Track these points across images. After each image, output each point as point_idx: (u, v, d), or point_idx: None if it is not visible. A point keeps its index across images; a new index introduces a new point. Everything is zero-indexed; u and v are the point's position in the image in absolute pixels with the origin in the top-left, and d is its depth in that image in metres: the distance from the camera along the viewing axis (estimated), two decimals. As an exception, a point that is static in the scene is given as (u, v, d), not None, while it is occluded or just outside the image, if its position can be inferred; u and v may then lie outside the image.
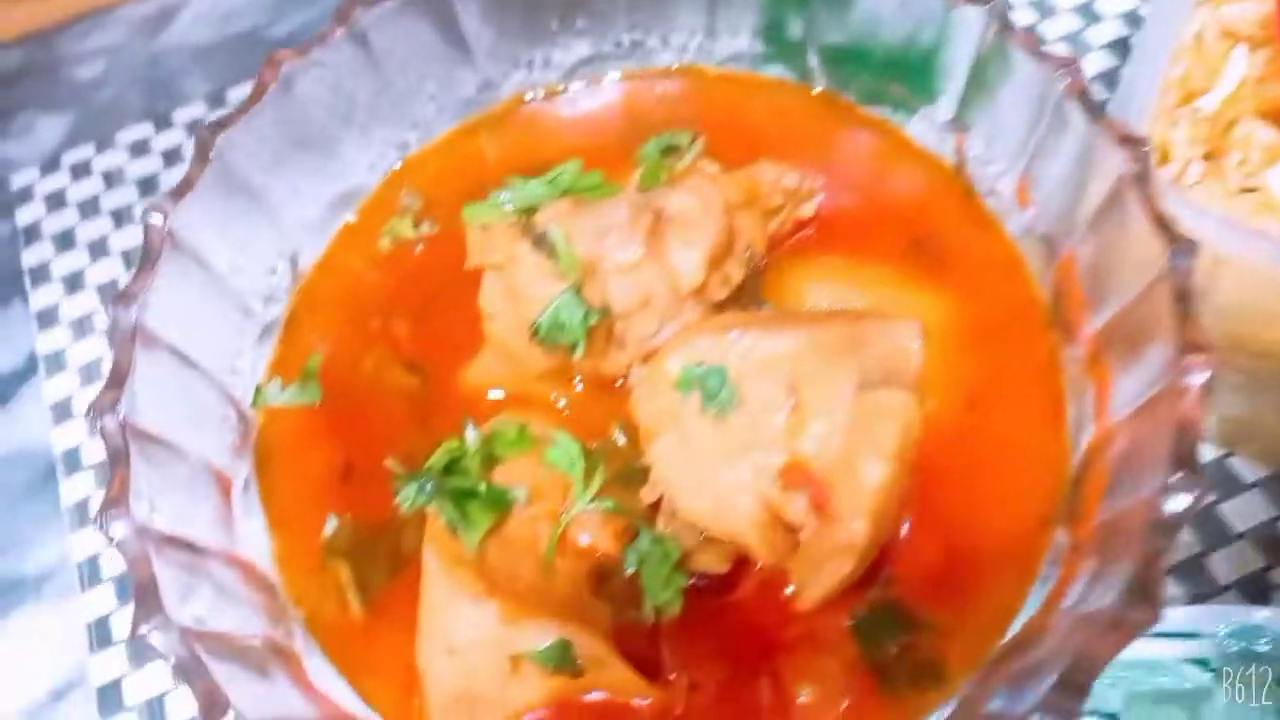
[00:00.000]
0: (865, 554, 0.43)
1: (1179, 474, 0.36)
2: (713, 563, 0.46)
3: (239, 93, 0.95)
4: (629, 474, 0.49)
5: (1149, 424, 0.40)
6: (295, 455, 0.54)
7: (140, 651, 0.69)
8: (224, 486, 0.51)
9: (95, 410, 0.44)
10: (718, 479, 0.45)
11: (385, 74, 0.58)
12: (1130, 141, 0.44)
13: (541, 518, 0.47)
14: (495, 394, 0.53)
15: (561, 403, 0.52)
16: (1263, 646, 0.58)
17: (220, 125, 0.53)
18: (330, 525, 0.52)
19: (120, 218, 0.90)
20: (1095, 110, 0.45)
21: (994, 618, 0.45)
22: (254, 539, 0.51)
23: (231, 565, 0.48)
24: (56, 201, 0.92)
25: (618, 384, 0.52)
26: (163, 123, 0.94)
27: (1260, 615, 0.61)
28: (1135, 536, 0.37)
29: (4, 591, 0.76)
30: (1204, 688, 0.57)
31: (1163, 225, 0.42)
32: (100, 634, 0.72)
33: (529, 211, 0.48)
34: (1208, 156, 0.59)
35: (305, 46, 0.54)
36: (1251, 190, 0.57)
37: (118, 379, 0.45)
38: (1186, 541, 0.65)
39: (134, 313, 0.47)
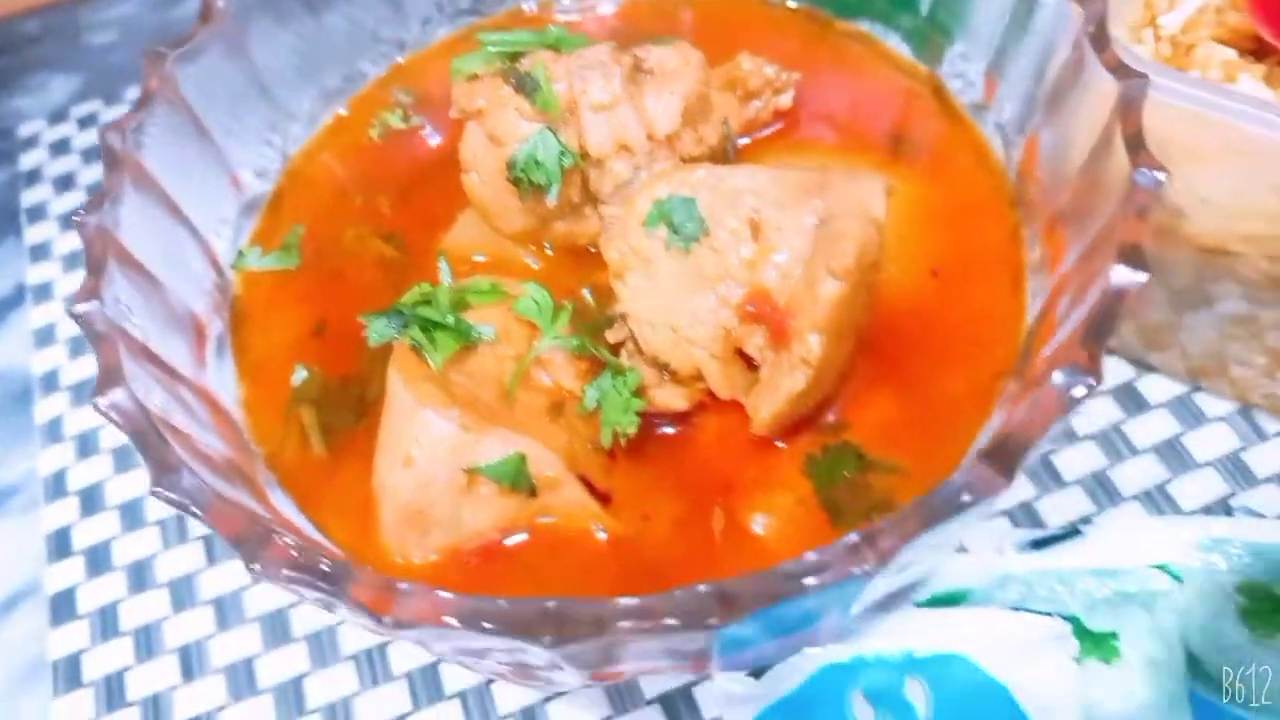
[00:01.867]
0: (820, 371, 0.43)
1: (1126, 257, 0.37)
2: (673, 400, 0.47)
3: None
4: (595, 325, 0.50)
5: (1100, 249, 0.42)
6: (270, 313, 0.55)
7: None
8: (198, 331, 0.52)
9: (77, 215, 0.45)
10: (682, 312, 0.46)
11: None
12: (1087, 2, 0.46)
13: (507, 358, 0.48)
14: (477, 258, 0.54)
15: (536, 266, 0.54)
16: (1225, 558, 0.58)
17: (244, 8, 0.55)
18: (299, 375, 0.52)
19: (123, 164, 0.92)
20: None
21: (945, 460, 0.45)
22: (223, 386, 0.52)
23: (200, 397, 0.49)
24: (60, 148, 0.94)
25: (590, 249, 0.53)
26: (170, 82, 0.98)
27: (1221, 528, 0.61)
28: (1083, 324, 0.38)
29: None
30: (1163, 590, 0.57)
31: (1116, 66, 0.44)
32: (60, 545, 0.71)
33: (514, 58, 0.50)
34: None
35: None
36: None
37: (106, 191, 0.47)
38: (1156, 470, 0.66)
39: (127, 140, 0.48)
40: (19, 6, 1.06)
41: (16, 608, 0.71)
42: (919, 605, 0.60)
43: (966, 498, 0.34)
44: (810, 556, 0.34)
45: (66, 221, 0.89)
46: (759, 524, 0.45)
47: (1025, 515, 0.66)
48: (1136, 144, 0.42)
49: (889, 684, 0.55)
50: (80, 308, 0.43)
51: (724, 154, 0.53)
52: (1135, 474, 0.66)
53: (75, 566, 0.70)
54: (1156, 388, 0.68)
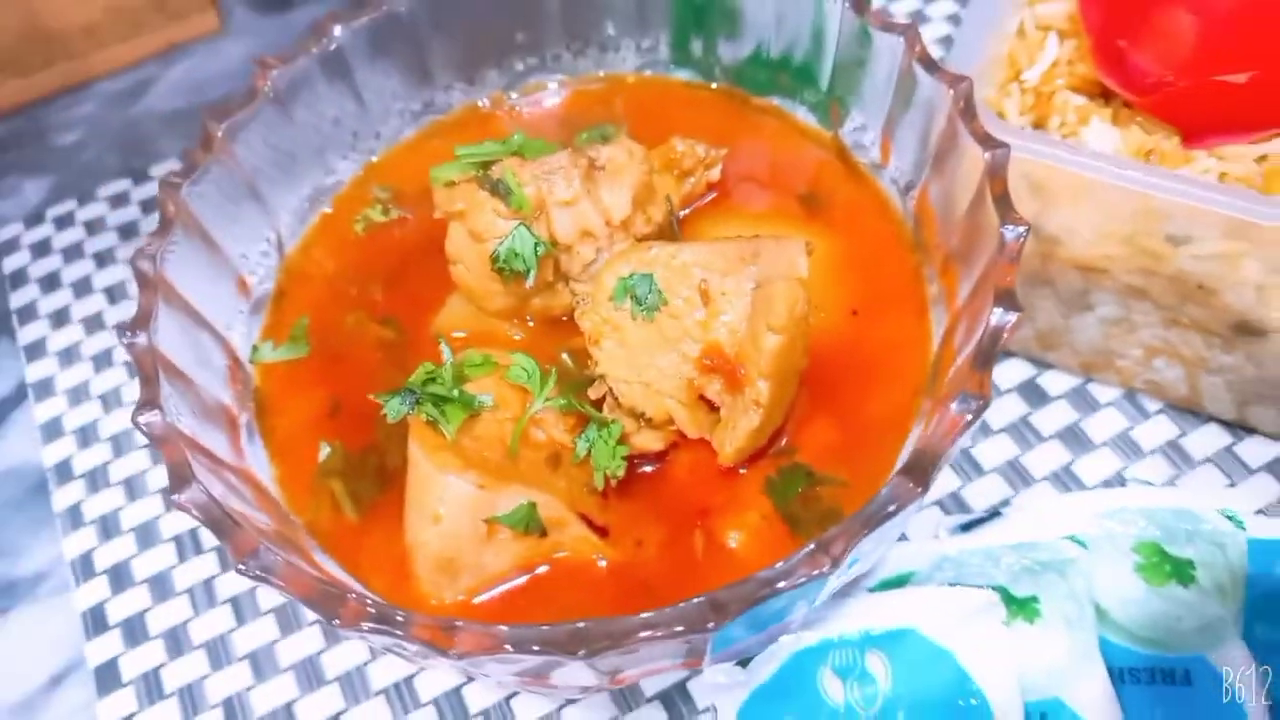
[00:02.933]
0: (770, 409, 0.53)
1: (1002, 299, 0.48)
2: (650, 442, 0.56)
3: None
4: (577, 384, 0.59)
5: (982, 290, 0.52)
6: (289, 399, 0.62)
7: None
8: (231, 421, 0.59)
9: (127, 329, 0.52)
10: (650, 368, 0.55)
11: (361, 96, 0.70)
12: (957, 80, 0.56)
13: (506, 420, 0.56)
14: (461, 334, 0.63)
15: (518, 337, 0.62)
16: (1121, 523, 0.69)
17: (232, 130, 0.63)
18: (324, 451, 0.60)
19: (102, 259, 0.98)
20: (930, 64, 0.58)
21: (879, 470, 0.54)
22: (259, 466, 0.59)
23: (243, 479, 0.56)
24: (42, 249, 1.00)
25: (564, 319, 0.62)
26: (140, 176, 1.04)
27: (1117, 498, 0.72)
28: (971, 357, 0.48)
29: (5, 591, 0.81)
30: (1073, 557, 0.67)
31: (983, 138, 0.54)
32: (96, 620, 0.78)
33: (485, 166, 0.58)
34: (1035, 124, 0.72)
35: (289, 56, 0.65)
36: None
37: (145, 312, 0.54)
38: (1061, 453, 0.77)
39: (156, 264, 0.56)
40: (-19, 114, 1.12)
41: (63, 684, 0.77)
42: (871, 590, 0.70)
43: (892, 507, 0.44)
44: (779, 565, 0.43)
45: (57, 319, 0.95)
46: (733, 540, 0.54)
47: (954, 503, 0.75)
48: (1003, 202, 0.52)
49: (853, 660, 0.65)
50: (143, 418, 0.50)
51: (670, 228, 0.62)
52: (1044, 458, 0.76)
53: (113, 639, 0.77)
54: (1055, 382, 0.79)
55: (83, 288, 0.97)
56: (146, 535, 0.80)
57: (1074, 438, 0.76)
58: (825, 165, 0.68)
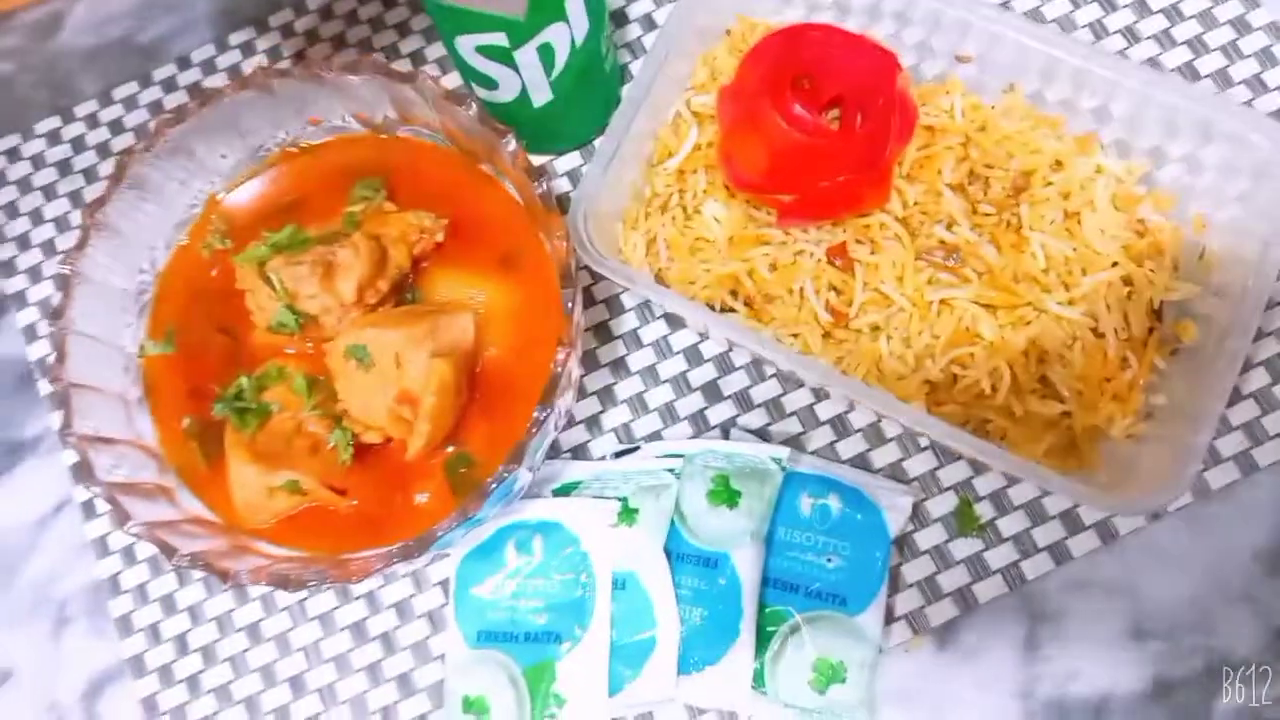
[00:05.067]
0: (433, 432, 0.89)
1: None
2: (373, 437, 0.92)
3: (123, 91, 1.29)
4: (331, 396, 0.94)
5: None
6: (164, 383, 0.97)
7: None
8: (125, 405, 0.96)
9: (52, 378, 0.88)
10: (369, 399, 0.91)
11: (197, 156, 0.98)
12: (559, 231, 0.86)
13: (289, 419, 0.93)
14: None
15: (310, 348, 0.97)
16: (705, 461, 1.07)
17: (102, 200, 0.93)
18: (185, 421, 0.97)
19: (48, 193, 1.27)
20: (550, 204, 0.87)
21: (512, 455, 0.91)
22: (146, 431, 0.97)
23: (134, 446, 0.94)
24: None
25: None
26: (68, 116, 1.31)
27: (709, 443, 1.08)
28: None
29: (11, 451, 1.12)
30: (667, 483, 1.05)
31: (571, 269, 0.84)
32: (77, 472, 1.18)
33: (264, 261, 0.90)
34: (679, 192, 1.00)
35: (149, 144, 0.93)
36: (697, 214, 0.99)
37: (60, 359, 0.89)
38: (699, 401, 1.12)
39: (63, 325, 0.89)
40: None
41: (60, 513, 1.10)
42: (554, 492, 1.10)
43: (504, 479, 0.81)
44: (442, 521, 0.81)
45: (21, 243, 1.26)
46: (419, 498, 0.92)
47: (625, 432, 1.13)
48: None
49: (525, 538, 1.05)
50: (69, 440, 0.87)
51: (401, 288, 0.94)
52: (689, 405, 1.11)
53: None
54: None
55: (36, 218, 1.28)
56: (181, 646, 1.07)
57: (715, 392, 1.11)
58: (519, 231, 0.98)
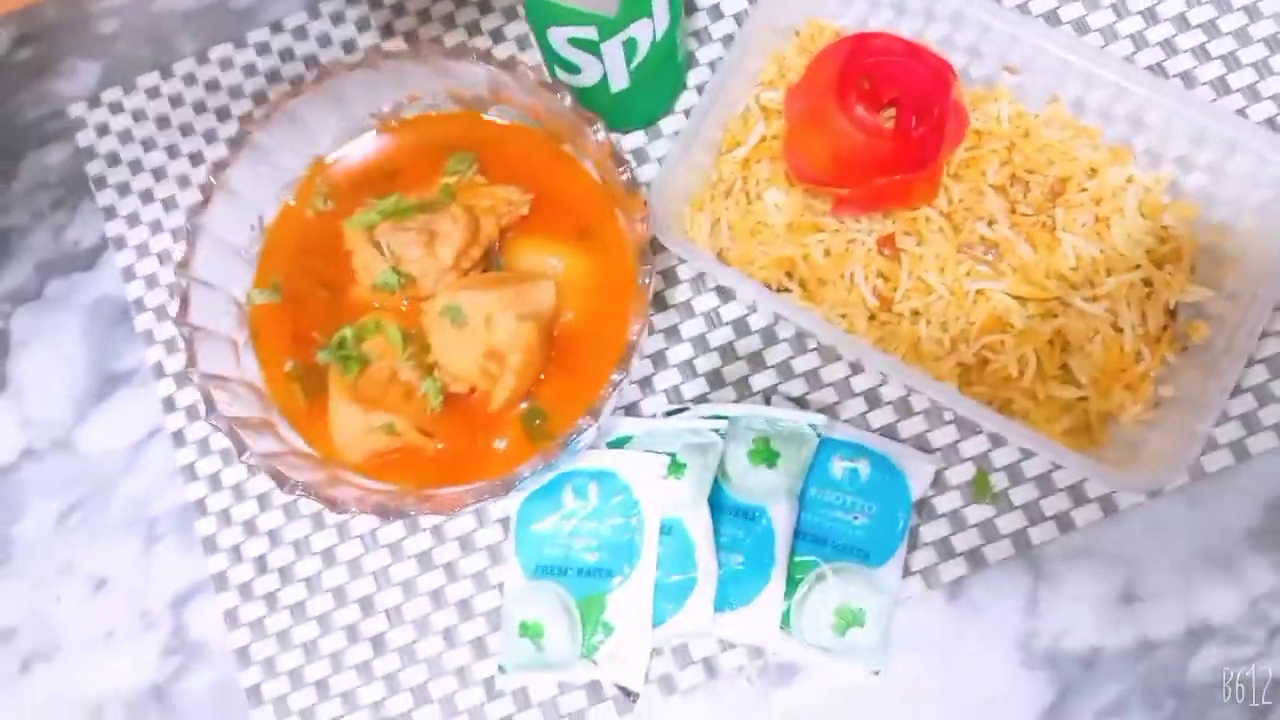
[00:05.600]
0: (517, 386, 0.99)
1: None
2: (459, 387, 1.03)
3: (218, 52, 1.38)
4: (425, 348, 1.05)
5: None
6: (268, 329, 1.07)
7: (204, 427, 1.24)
8: (234, 347, 1.07)
9: (177, 321, 0.98)
10: (460, 353, 1.01)
11: (308, 125, 1.08)
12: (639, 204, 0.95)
13: (385, 368, 1.04)
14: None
15: (404, 306, 1.07)
16: (749, 424, 1.17)
17: (224, 163, 1.03)
18: (289, 364, 1.08)
19: (147, 145, 1.37)
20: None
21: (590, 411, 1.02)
22: (252, 372, 1.08)
23: (243, 385, 1.05)
24: (102, 130, 1.37)
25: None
26: (166, 73, 1.40)
27: (753, 408, 1.18)
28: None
29: (109, 381, 1.18)
30: (713, 442, 1.16)
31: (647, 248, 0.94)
32: (168, 405, 1.29)
33: (373, 226, 1.00)
34: (744, 179, 1.10)
35: (268, 113, 1.03)
36: (759, 200, 1.09)
37: (184, 306, 0.99)
38: (743, 368, 1.22)
39: (188, 274, 1.00)
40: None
41: (153, 438, 1.21)
42: (609, 445, 1.21)
43: (578, 436, 0.92)
44: (519, 467, 0.92)
45: (121, 190, 1.36)
46: (499, 444, 1.03)
47: (675, 394, 1.23)
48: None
49: (583, 484, 1.15)
50: (193, 377, 0.98)
51: (489, 257, 1.04)
52: (732, 372, 1.22)
53: (180, 416, 1.28)
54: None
55: (135, 167, 1.37)
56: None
57: (759, 361, 1.22)
58: (597, 206, 1.07)
